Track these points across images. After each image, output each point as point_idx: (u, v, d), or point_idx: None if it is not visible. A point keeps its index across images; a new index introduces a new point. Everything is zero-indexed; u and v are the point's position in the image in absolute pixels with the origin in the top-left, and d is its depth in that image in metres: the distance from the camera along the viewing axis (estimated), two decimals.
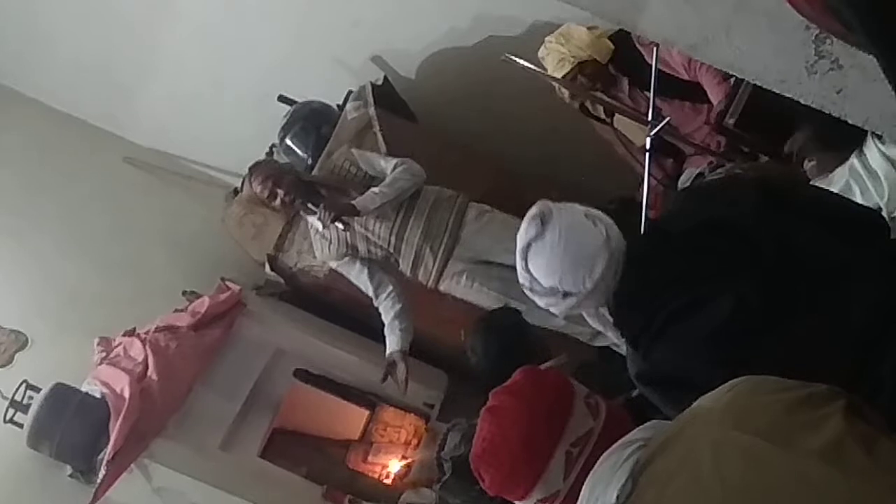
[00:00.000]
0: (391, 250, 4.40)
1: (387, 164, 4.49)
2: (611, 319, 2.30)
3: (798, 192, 2.36)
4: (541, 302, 2.27)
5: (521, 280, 2.27)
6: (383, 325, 4.46)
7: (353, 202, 4.27)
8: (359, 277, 4.46)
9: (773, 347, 1.97)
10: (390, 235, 4.37)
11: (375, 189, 4.34)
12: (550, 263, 2.18)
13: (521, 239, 2.24)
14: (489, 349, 3.59)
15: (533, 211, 2.26)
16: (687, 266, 2.11)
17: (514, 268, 4.37)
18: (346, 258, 4.44)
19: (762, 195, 2.16)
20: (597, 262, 2.15)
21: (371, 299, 4.47)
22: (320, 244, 4.45)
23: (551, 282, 2.19)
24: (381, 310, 4.44)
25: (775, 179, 2.96)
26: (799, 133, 3.04)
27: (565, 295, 2.19)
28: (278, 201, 4.32)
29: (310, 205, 4.29)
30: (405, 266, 4.44)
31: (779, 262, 2.01)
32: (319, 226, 4.35)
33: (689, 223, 2.19)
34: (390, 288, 4.42)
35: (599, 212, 2.27)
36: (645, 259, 2.18)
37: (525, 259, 2.23)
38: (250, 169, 4.41)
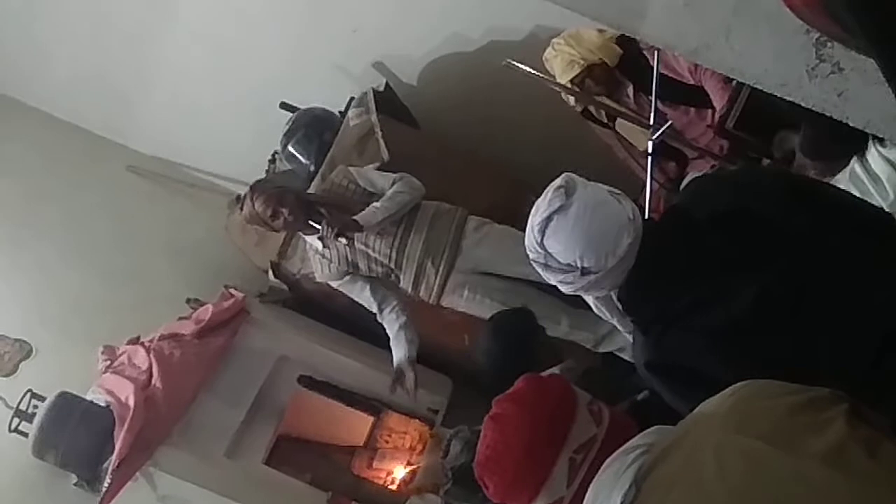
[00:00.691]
0: (392, 266, 4.41)
1: (385, 180, 4.50)
2: (618, 305, 2.26)
3: (818, 189, 2.35)
4: (553, 279, 2.18)
5: (532, 256, 2.18)
6: (388, 337, 4.46)
7: (355, 218, 4.27)
8: (361, 295, 4.48)
9: (788, 346, 1.97)
10: (391, 251, 4.38)
11: (377, 204, 4.35)
12: (572, 237, 2.10)
13: (541, 210, 2.14)
14: (497, 347, 3.56)
15: (557, 182, 2.17)
16: (707, 256, 2.08)
17: (516, 279, 4.40)
18: (348, 277, 4.44)
19: (788, 189, 2.16)
20: (621, 240, 2.08)
21: (375, 314, 4.48)
22: (320, 264, 4.45)
23: (570, 257, 2.10)
24: (385, 323, 4.45)
25: (802, 177, 2.94)
26: (785, 133, 3.04)
27: (584, 272, 2.11)
28: (281, 220, 4.30)
29: (312, 222, 4.29)
30: (406, 282, 4.44)
31: (800, 258, 2.00)
32: (319, 245, 4.35)
33: (714, 210, 2.14)
34: (394, 302, 4.44)
35: (621, 191, 2.20)
36: (664, 244, 2.14)
37: (543, 232, 2.12)
38: (251, 189, 4.37)
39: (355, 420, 5.32)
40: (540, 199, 2.17)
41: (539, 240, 2.13)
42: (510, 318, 3.72)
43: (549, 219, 2.12)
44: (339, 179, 4.56)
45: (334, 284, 4.52)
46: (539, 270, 2.20)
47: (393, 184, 4.45)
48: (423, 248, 4.40)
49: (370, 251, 4.37)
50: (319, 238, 4.30)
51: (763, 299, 1.97)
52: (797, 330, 1.97)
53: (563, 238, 2.11)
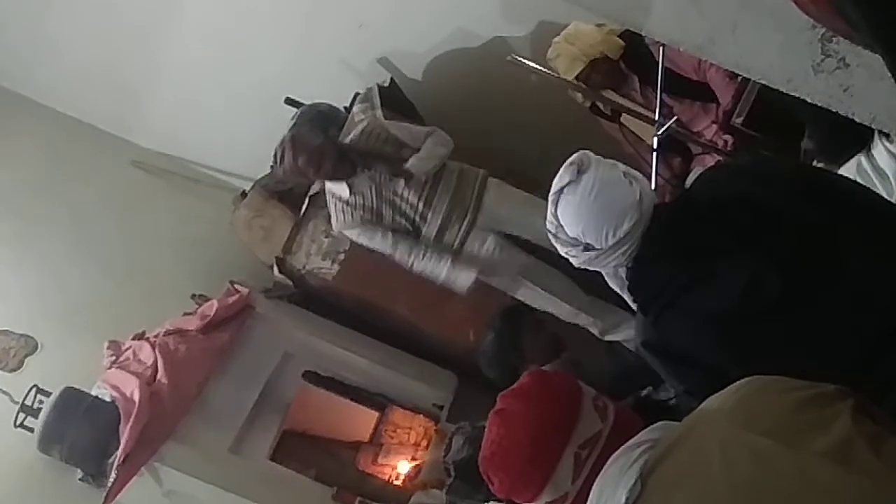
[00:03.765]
0: (417, 218, 4.44)
1: (419, 132, 4.59)
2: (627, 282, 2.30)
3: (830, 181, 2.35)
4: (562, 250, 2.27)
5: (547, 225, 2.26)
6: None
7: (406, 167, 4.39)
8: (383, 242, 4.46)
9: (780, 334, 1.98)
10: (419, 202, 4.43)
11: (421, 154, 4.45)
12: (578, 212, 2.17)
13: (555, 183, 2.23)
14: (501, 338, 3.60)
15: (573, 158, 2.25)
16: (707, 238, 2.11)
17: (532, 244, 4.42)
18: (367, 224, 4.44)
19: (799, 179, 2.16)
20: (624, 220, 2.14)
21: (404, 262, 4.49)
22: (343, 212, 4.46)
23: (575, 231, 2.18)
24: (424, 266, 4.46)
25: (810, 167, 2.95)
26: (808, 138, 3.05)
27: (586, 247, 2.19)
28: (324, 172, 4.35)
29: (360, 167, 4.35)
30: (429, 233, 4.46)
31: (801, 248, 2.01)
32: (346, 192, 4.36)
33: (717, 195, 2.18)
34: (423, 247, 4.45)
35: (638, 173, 2.26)
36: (667, 226, 2.17)
37: (556, 203, 2.21)
38: (292, 144, 4.31)
39: (360, 416, 5.32)
40: (558, 173, 2.25)
41: (553, 210, 2.22)
42: (500, 317, 3.77)
43: (560, 192, 2.21)
44: (370, 129, 4.57)
45: (353, 233, 4.51)
46: (552, 241, 2.28)
47: (426, 136, 4.54)
48: (449, 202, 4.45)
49: (397, 199, 4.39)
50: (348, 184, 4.31)
51: (754, 285, 1.99)
52: (788, 318, 1.98)
53: (570, 212, 2.19)
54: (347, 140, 4.57)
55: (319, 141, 4.41)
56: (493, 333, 3.67)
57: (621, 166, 2.27)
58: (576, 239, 2.19)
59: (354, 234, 4.52)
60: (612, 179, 2.20)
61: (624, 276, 2.29)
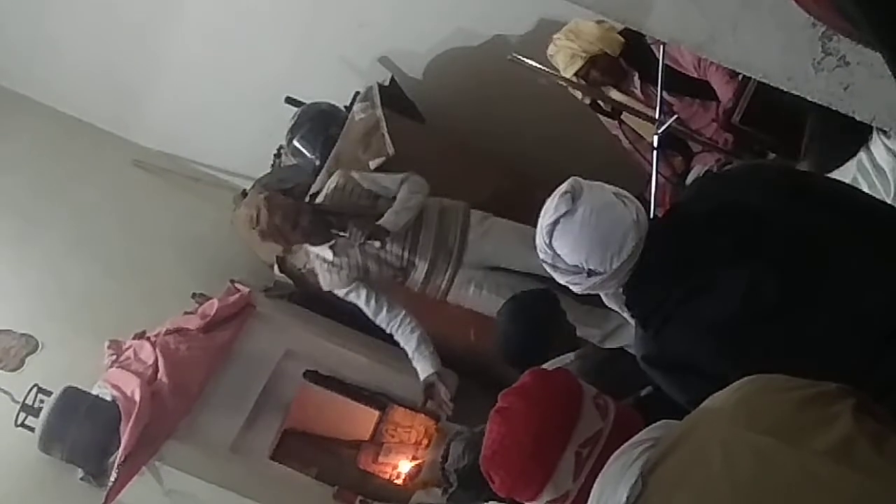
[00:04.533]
0: (404, 265, 4.40)
1: (391, 181, 4.49)
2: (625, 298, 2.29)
3: (824, 186, 2.35)
4: (562, 279, 2.23)
5: (542, 256, 2.23)
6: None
7: (380, 224, 4.29)
8: (367, 305, 4.44)
9: (780, 338, 1.98)
10: (403, 251, 4.37)
11: (396, 208, 4.35)
12: (579, 241, 2.15)
13: (548, 214, 2.19)
14: (516, 328, 3.56)
15: (563, 187, 2.22)
16: (703, 248, 2.11)
17: (523, 274, 4.40)
18: (355, 284, 4.41)
19: (790, 184, 2.16)
20: (626, 242, 2.13)
21: (382, 327, 4.48)
22: (329, 273, 4.41)
23: (577, 259, 2.16)
24: (399, 338, 4.45)
25: (801, 171, 2.95)
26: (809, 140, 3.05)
27: (590, 273, 2.16)
28: (300, 233, 4.28)
29: (335, 230, 4.29)
30: (417, 278, 4.43)
31: (797, 252, 2.01)
32: (329, 254, 4.33)
33: (711, 205, 2.18)
34: (402, 314, 4.43)
35: (628, 193, 2.24)
36: (662, 239, 2.17)
37: (550, 235, 2.18)
38: (267, 204, 4.26)
39: (361, 414, 5.32)
40: (548, 203, 2.22)
41: (548, 241, 2.19)
42: (533, 298, 3.72)
43: (555, 223, 2.17)
44: (343, 184, 4.50)
45: (341, 293, 4.49)
46: (549, 270, 2.25)
47: (401, 184, 4.45)
48: (433, 246, 4.39)
49: (382, 252, 4.35)
50: (330, 247, 4.30)
51: (753, 290, 2.00)
52: (789, 321, 1.99)
53: (570, 241, 2.16)
54: (320, 199, 4.53)
55: (292, 199, 4.39)
56: (534, 310, 3.59)
57: (609, 187, 2.25)
58: (577, 266, 2.17)
59: (343, 293, 4.48)
60: (608, 203, 2.18)
61: (622, 293, 2.28)
